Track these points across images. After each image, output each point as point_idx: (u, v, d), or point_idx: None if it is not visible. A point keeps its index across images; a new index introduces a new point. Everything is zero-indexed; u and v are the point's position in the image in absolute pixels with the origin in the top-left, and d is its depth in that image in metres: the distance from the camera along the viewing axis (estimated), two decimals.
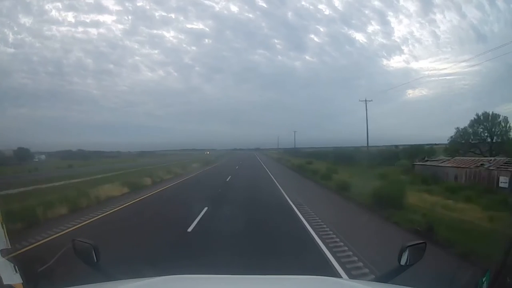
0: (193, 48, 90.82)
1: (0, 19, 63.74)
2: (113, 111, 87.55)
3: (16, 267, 2.18)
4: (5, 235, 2.32)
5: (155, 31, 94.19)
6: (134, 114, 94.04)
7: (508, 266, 2.30)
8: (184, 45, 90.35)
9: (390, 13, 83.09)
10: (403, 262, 2.10)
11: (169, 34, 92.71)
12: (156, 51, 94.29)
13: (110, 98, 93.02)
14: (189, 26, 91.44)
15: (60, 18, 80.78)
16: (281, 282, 2.24)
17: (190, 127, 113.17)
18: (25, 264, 2.61)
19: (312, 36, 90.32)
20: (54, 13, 79.62)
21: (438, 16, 70.25)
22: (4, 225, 2.38)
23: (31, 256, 6.27)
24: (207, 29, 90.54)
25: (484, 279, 2.41)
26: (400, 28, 79.74)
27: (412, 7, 79.17)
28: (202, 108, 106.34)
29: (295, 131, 66.98)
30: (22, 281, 2.16)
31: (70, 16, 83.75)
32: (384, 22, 77.17)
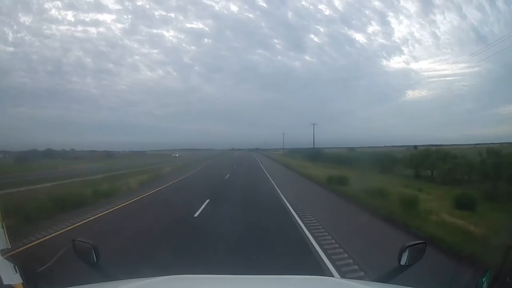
0: (193, 47, 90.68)
1: (0, 18, 63.41)
2: (113, 110, 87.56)
3: (16, 267, 2.18)
4: (5, 235, 2.32)
5: (154, 31, 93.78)
6: (133, 113, 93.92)
7: (508, 266, 2.30)
8: (184, 45, 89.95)
9: (391, 13, 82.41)
10: (403, 262, 2.10)
11: (169, 34, 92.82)
12: (155, 51, 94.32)
13: (110, 97, 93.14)
14: (188, 25, 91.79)
15: (59, 17, 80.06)
16: (281, 282, 2.24)
17: (189, 126, 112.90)
18: (25, 264, 2.61)
19: (312, 36, 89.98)
20: (53, 12, 79.35)
21: (439, 17, 70.18)
22: (4, 225, 2.38)
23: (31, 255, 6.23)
24: (206, 28, 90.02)
25: (484, 279, 2.42)
26: (400, 28, 79.22)
27: (412, 8, 78.61)
28: (201, 107, 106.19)
29: (313, 124, 50.76)
30: (22, 281, 2.16)
31: (69, 15, 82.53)
32: (384, 22, 76.83)
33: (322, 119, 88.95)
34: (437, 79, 63.88)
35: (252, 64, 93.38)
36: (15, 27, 71.52)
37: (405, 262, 2.10)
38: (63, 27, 79.80)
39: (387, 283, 2.16)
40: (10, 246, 2.30)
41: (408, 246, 2.12)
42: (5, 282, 2.00)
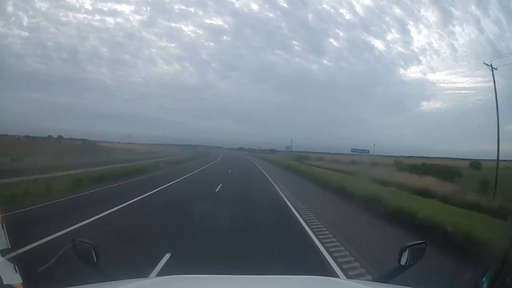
0: (211, 44, 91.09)
1: (15, 2, 63.25)
2: (126, 101, 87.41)
3: (16, 267, 2.17)
4: (5, 235, 2.32)
5: (173, 24, 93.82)
6: (146, 106, 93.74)
7: (508, 266, 2.30)
8: (202, 41, 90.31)
9: (411, 22, 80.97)
10: (403, 262, 2.11)
11: (187, 28, 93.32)
12: (173, 45, 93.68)
13: (124, 88, 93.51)
14: (208, 21, 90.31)
15: (77, 5, 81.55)
16: (281, 282, 2.24)
17: (201, 123, 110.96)
18: (25, 264, 2.61)
19: (331, 40, 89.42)
20: None
21: (457, 29, 69.38)
22: (4, 225, 2.38)
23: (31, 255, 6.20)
24: (226, 25, 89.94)
25: (484, 279, 2.42)
26: (419, 38, 77.95)
27: (432, 18, 77.04)
28: (215, 105, 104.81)
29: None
30: (22, 281, 2.15)
31: (87, 3, 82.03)
32: (404, 30, 74.68)
33: (336, 124, 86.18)
34: (452, 92, 62.86)
35: (270, 65, 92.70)
36: (31, 12, 71.79)
37: (405, 262, 2.10)
38: (80, 15, 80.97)
39: (387, 283, 2.16)
40: (10, 246, 2.29)
41: (408, 246, 2.12)
42: (5, 282, 2.00)
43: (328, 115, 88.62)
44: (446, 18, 74.70)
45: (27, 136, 45.68)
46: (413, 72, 75.84)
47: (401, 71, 79.03)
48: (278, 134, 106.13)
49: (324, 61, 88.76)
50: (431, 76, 75.47)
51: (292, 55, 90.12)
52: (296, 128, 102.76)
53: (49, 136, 50.48)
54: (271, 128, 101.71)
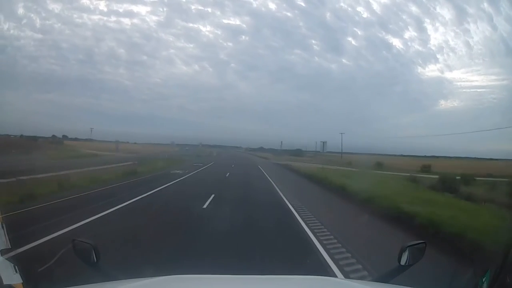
0: (229, 44, 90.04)
1: (26, 4, 64.29)
2: (144, 102, 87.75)
3: (16, 267, 2.17)
4: (5, 235, 2.32)
5: (190, 25, 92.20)
6: (165, 106, 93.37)
7: (508, 266, 2.30)
8: (220, 41, 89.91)
9: (427, 19, 79.91)
10: (403, 262, 2.11)
11: (205, 29, 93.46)
12: (191, 45, 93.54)
13: (142, 89, 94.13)
14: (225, 21, 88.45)
15: (91, 6, 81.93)
16: (281, 282, 2.24)
17: (220, 123, 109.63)
18: (25, 264, 2.61)
19: (350, 39, 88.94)
20: (85, 0, 78.86)
21: (472, 26, 68.43)
22: (4, 225, 2.38)
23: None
24: (244, 25, 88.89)
25: (484, 279, 2.41)
26: (436, 36, 76.51)
27: (447, 15, 75.82)
28: (234, 105, 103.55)
29: None
30: (22, 281, 2.16)
31: (102, 5, 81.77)
32: (421, 28, 74.05)
33: (356, 124, 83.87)
34: (468, 90, 62.16)
35: (289, 64, 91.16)
36: (43, 14, 72.08)
37: (405, 262, 2.10)
38: (95, 17, 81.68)
39: (387, 283, 2.16)
40: (10, 246, 2.30)
41: (408, 246, 2.12)
42: (5, 282, 2.00)
43: (348, 114, 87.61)
44: (461, 15, 74.85)
45: (21, 136, 46.25)
46: (431, 71, 74.83)
47: (419, 69, 78.10)
48: (300, 134, 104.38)
49: (343, 60, 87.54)
50: (448, 75, 74.64)
51: (311, 55, 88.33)
52: (318, 128, 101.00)
53: (53, 136, 51.79)
54: (292, 128, 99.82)
